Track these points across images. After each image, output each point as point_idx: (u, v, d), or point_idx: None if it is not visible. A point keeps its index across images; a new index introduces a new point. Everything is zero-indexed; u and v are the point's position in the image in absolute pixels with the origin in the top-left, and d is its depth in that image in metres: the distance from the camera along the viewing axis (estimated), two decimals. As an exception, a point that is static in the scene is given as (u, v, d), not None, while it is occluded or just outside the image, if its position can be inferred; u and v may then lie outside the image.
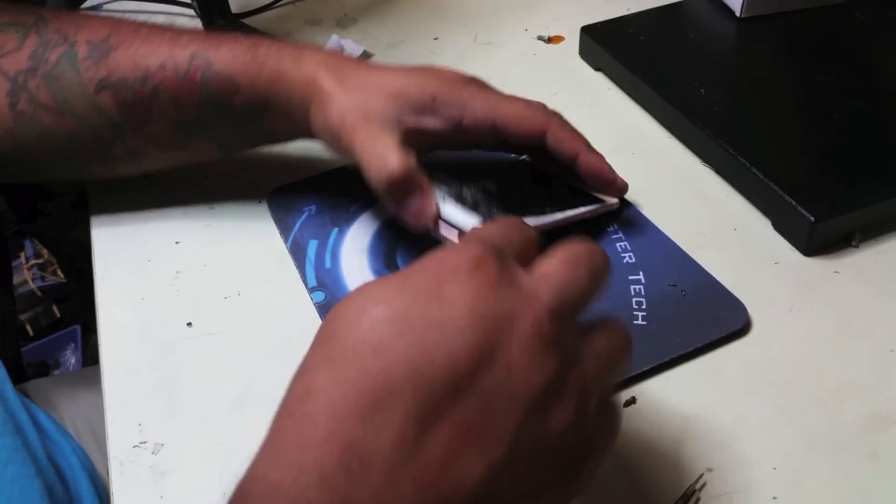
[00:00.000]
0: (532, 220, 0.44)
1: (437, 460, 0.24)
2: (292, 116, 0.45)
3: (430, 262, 0.27)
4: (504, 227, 0.30)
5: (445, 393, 0.24)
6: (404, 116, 0.42)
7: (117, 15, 0.50)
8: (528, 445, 0.25)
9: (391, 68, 0.45)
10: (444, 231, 0.41)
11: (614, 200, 0.47)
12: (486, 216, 0.42)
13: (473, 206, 0.42)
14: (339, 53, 0.46)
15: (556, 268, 0.28)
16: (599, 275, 0.29)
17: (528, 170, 0.48)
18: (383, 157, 0.41)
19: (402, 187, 0.41)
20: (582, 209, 0.46)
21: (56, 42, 0.45)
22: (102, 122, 0.45)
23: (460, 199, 0.43)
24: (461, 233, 0.41)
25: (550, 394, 0.26)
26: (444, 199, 0.42)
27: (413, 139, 0.42)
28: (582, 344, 0.28)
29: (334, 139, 0.43)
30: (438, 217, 0.42)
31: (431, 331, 0.25)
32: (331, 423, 0.24)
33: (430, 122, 0.42)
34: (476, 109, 0.42)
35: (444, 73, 0.44)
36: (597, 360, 0.28)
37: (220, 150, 0.48)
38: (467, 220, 0.41)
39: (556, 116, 0.44)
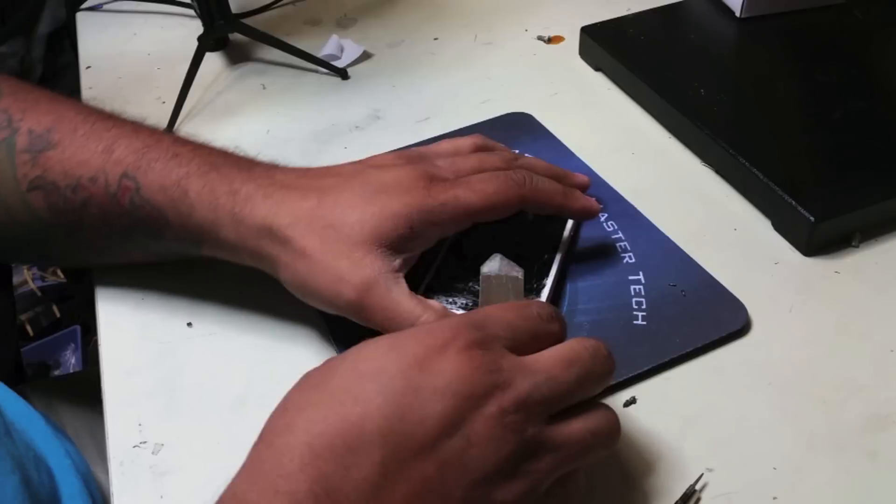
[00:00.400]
0: (545, 293, 0.43)
1: None
2: (242, 259, 0.42)
3: (425, 334, 0.30)
4: (516, 315, 0.32)
5: (411, 451, 0.27)
6: (396, 263, 0.38)
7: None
8: None
9: (348, 192, 0.39)
10: None
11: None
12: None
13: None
14: (276, 174, 0.42)
15: (546, 364, 0.30)
16: (593, 378, 0.31)
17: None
18: (415, 321, 0.37)
19: None
20: (566, 233, 0.46)
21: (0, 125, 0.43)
22: (33, 221, 0.43)
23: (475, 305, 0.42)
24: None
25: (500, 474, 0.28)
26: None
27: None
28: (550, 436, 0.29)
29: (333, 308, 0.39)
30: None
31: (409, 394, 0.28)
32: (306, 456, 0.27)
33: (417, 250, 0.40)
34: (450, 219, 0.40)
35: (403, 187, 0.39)
36: (565, 450, 0.30)
37: (158, 261, 0.46)
38: None
39: (527, 179, 0.41)
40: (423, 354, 0.29)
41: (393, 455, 0.27)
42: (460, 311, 0.41)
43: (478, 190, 0.40)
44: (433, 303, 0.38)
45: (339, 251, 0.37)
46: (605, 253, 0.46)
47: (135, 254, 0.45)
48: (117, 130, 0.43)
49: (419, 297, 0.38)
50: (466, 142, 0.46)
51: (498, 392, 0.28)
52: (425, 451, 0.27)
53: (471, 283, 0.43)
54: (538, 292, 0.43)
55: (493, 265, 0.37)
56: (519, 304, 0.33)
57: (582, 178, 0.46)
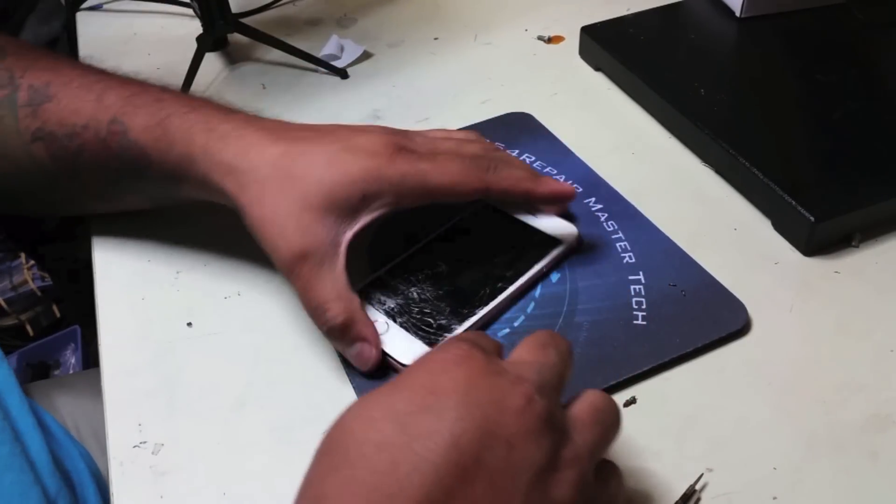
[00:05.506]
0: (471, 320, 0.41)
1: None
2: (213, 197, 0.43)
3: (419, 364, 0.29)
4: (475, 335, 0.32)
5: (452, 477, 0.25)
6: (340, 229, 0.39)
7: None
8: None
9: (317, 146, 0.40)
10: (392, 361, 0.40)
11: (572, 233, 0.44)
12: (446, 323, 0.41)
13: (423, 319, 0.41)
14: (254, 120, 0.43)
15: (529, 354, 0.31)
16: (565, 356, 0.32)
17: (480, 213, 0.47)
18: (323, 304, 0.39)
19: (342, 335, 0.39)
20: (542, 263, 0.44)
21: (2, 83, 0.45)
22: (37, 170, 0.45)
23: (408, 314, 0.41)
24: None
25: (549, 468, 0.27)
26: (387, 325, 0.41)
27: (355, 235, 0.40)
28: (568, 419, 0.29)
29: (271, 258, 0.40)
30: (384, 354, 0.40)
31: (430, 420, 0.26)
32: None
33: (366, 218, 0.40)
34: (408, 191, 0.40)
35: (369, 152, 0.40)
36: (585, 431, 0.29)
37: (152, 205, 0.48)
38: (413, 348, 0.40)
39: (492, 165, 0.41)
40: (428, 380, 0.28)
41: (435, 489, 0.25)
42: (381, 315, 0.41)
43: (442, 168, 0.40)
44: (350, 303, 0.39)
45: (290, 209, 0.38)
46: (605, 253, 0.46)
47: (128, 197, 0.47)
48: (108, 82, 0.45)
49: (344, 284, 0.39)
50: (458, 133, 0.46)
51: (515, 388, 0.28)
52: (468, 471, 0.25)
53: (411, 290, 0.43)
54: (467, 316, 0.41)
55: None
56: (472, 333, 0.33)
57: (563, 188, 0.45)
